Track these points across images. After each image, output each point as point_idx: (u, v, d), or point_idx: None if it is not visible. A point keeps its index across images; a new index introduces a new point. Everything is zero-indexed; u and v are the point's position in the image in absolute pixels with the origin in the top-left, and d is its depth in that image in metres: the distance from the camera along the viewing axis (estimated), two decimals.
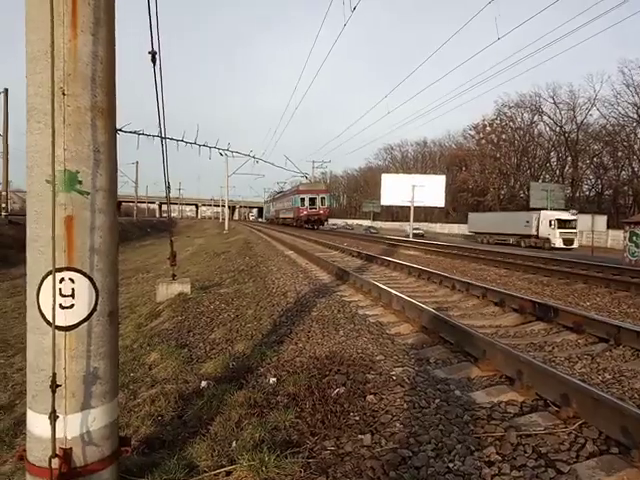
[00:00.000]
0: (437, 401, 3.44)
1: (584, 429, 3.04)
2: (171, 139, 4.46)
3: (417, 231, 55.20)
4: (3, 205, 30.76)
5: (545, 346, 5.27)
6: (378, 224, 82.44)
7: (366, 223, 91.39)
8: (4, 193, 31.37)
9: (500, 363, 4.25)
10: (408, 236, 43.07)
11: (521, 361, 3.98)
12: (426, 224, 76.75)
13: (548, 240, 37.91)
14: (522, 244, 39.76)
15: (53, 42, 1.89)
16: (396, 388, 3.68)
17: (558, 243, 37.34)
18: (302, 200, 48.71)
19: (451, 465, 2.61)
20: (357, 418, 3.24)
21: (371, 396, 3.56)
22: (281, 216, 60.07)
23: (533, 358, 4.27)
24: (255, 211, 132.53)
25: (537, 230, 39.10)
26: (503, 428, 3.02)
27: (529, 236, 39.91)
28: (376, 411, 3.33)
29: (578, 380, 3.68)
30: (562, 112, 70.01)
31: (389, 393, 3.59)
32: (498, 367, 4.25)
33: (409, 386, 3.73)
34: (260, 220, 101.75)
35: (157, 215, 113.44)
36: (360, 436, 2.97)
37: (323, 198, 49.35)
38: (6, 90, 28.81)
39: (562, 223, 38.21)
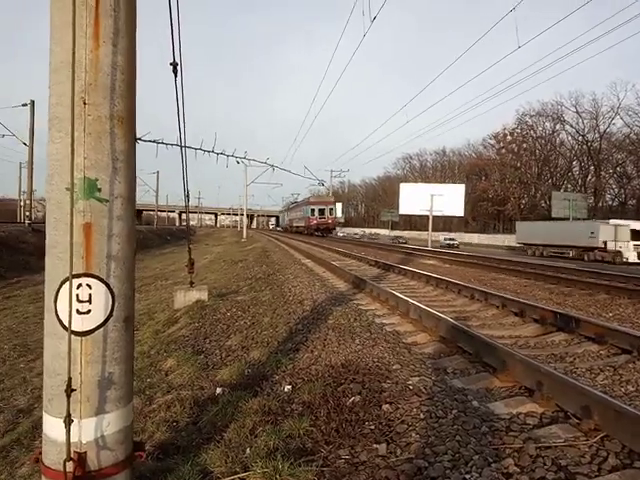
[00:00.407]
0: (454, 411, 3.39)
1: (606, 442, 2.96)
2: (189, 147, 4.52)
3: (451, 242, 52.63)
4: (27, 213, 31.42)
5: (566, 357, 5.16)
6: (400, 233, 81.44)
7: (383, 232, 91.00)
8: (28, 202, 32.04)
9: (520, 374, 4.17)
10: (442, 246, 41.95)
11: (541, 372, 3.90)
12: (445, 234, 76.10)
13: (619, 254, 32.66)
14: (585, 258, 34.51)
15: (74, 53, 1.92)
16: (412, 398, 3.64)
17: (632, 257, 32.00)
18: (312, 211, 53.34)
19: (468, 476, 2.56)
20: (372, 427, 3.21)
21: (387, 405, 3.52)
22: (294, 225, 64.53)
23: (554, 369, 4.18)
24: (274, 220, 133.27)
25: (605, 242, 34.03)
26: (522, 439, 2.96)
27: (593, 249, 34.75)
28: (392, 420, 3.29)
29: (600, 392, 3.59)
30: (584, 121, 69.31)
31: (405, 403, 3.55)
32: (517, 378, 4.17)
33: (426, 396, 3.68)
34: (278, 229, 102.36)
35: (177, 224, 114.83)
36: (375, 445, 2.94)
37: (331, 209, 53.96)
38: (32, 102, 29.52)
39: (637, 234, 33.06)
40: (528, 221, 53.04)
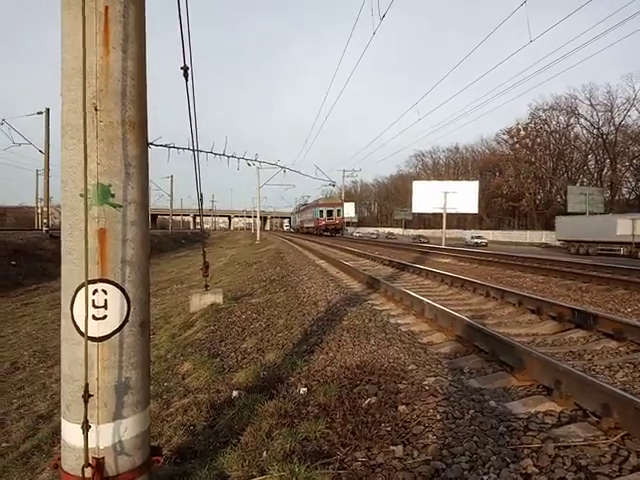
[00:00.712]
0: (471, 412, 3.35)
1: (627, 441, 2.91)
2: (200, 151, 4.55)
3: (479, 240, 50.34)
4: (44, 220, 31.86)
5: (584, 354, 5.09)
6: (420, 232, 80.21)
7: (397, 231, 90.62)
8: (45, 209, 32.49)
9: (537, 372, 4.12)
10: (470, 245, 40.77)
11: (559, 370, 3.85)
12: (459, 231, 75.36)
13: None
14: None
15: (85, 59, 1.94)
16: (429, 398, 3.61)
17: None
18: (321, 212, 57.75)
19: (486, 478, 2.54)
20: (389, 429, 3.19)
21: (403, 406, 3.50)
22: (305, 226, 68.84)
23: (572, 367, 4.13)
24: (287, 221, 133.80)
25: None
26: (540, 439, 2.92)
27: None
28: (408, 422, 3.27)
29: (620, 389, 3.53)
30: (599, 114, 68.26)
31: (421, 403, 3.53)
32: (535, 377, 4.13)
33: (442, 396, 3.65)
34: (291, 230, 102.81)
35: (191, 227, 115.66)
36: (392, 447, 2.92)
37: (339, 210, 58.16)
38: (47, 110, 29.99)
39: None
40: (573, 215, 46.76)
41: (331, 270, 14.40)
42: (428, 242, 51.11)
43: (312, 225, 61.43)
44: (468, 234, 57.01)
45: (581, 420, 3.28)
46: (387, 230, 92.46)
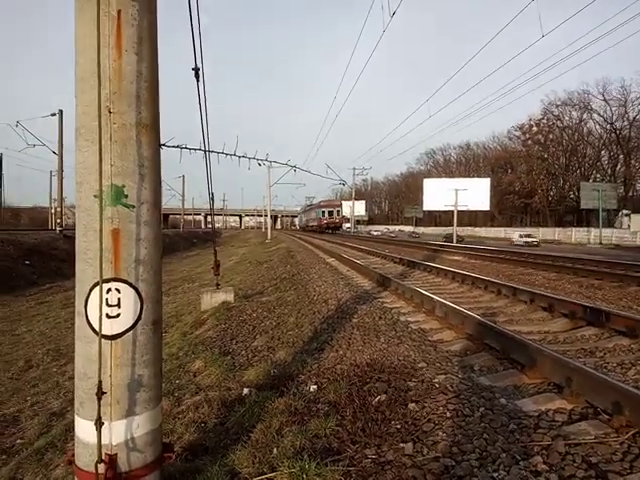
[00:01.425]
0: (481, 409, 3.35)
1: (638, 439, 2.89)
2: (212, 151, 4.59)
3: (529, 239, 44.95)
4: (58, 220, 32.22)
5: (596, 352, 5.05)
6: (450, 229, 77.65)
7: (408, 228, 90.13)
8: (59, 209, 32.85)
9: (548, 370, 4.10)
10: (519, 245, 38.28)
11: (570, 368, 3.83)
12: (470, 228, 74.82)
13: None
14: None
15: (99, 62, 1.97)
16: (439, 396, 3.61)
17: None
18: (323, 212, 65.12)
19: (495, 475, 2.54)
20: (398, 426, 3.20)
21: (413, 404, 3.51)
22: (309, 224, 75.31)
23: (583, 364, 4.10)
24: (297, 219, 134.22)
25: None
26: (550, 437, 2.91)
27: None
28: (418, 419, 3.28)
29: (632, 387, 3.51)
30: (613, 109, 67.35)
31: (431, 401, 3.53)
32: (546, 374, 4.10)
33: (452, 394, 3.65)
34: (299, 229, 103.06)
35: (203, 226, 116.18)
36: (402, 445, 2.93)
37: (338, 210, 65.62)
38: (61, 111, 30.34)
39: None
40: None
41: (341, 268, 14.41)
42: (463, 240, 44.57)
43: (315, 224, 67.85)
44: (519, 232, 52.53)
45: (592, 418, 3.26)
46: (397, 228, 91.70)
